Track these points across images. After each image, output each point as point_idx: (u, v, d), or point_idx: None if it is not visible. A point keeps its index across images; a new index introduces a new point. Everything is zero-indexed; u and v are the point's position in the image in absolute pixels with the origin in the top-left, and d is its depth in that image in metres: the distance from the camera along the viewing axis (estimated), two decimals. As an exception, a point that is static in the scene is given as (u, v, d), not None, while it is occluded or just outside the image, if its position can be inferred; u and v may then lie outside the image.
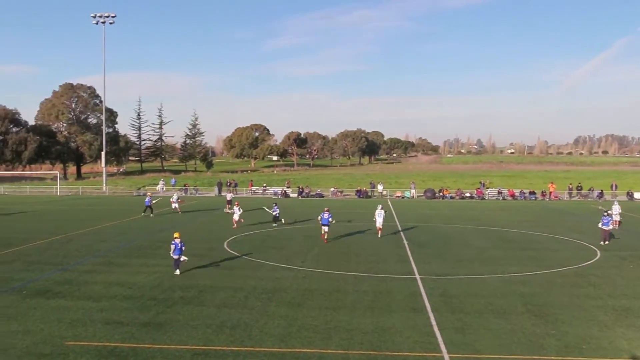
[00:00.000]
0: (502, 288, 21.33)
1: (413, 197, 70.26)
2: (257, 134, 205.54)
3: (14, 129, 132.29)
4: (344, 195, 72.37)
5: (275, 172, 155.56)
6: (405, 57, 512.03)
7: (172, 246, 23.48)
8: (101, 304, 18.71)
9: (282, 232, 36.48)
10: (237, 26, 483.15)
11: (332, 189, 75.05)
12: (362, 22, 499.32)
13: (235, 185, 78.30)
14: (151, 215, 46.60)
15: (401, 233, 36.26)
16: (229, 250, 29.52)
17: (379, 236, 33.76)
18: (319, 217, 32.12)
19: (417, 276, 23.17)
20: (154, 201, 49.94)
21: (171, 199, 49.59)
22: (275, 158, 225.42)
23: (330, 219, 31.69)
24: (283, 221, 40.49)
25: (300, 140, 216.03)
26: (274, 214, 40.47)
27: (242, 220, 38.46)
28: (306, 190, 72.18)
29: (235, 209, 38.60)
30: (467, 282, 22.16)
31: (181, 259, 23.44)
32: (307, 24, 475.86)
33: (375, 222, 34.44)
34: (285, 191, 72.92)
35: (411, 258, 27.31)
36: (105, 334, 15.76)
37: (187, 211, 50.06)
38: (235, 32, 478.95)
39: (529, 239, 34.33)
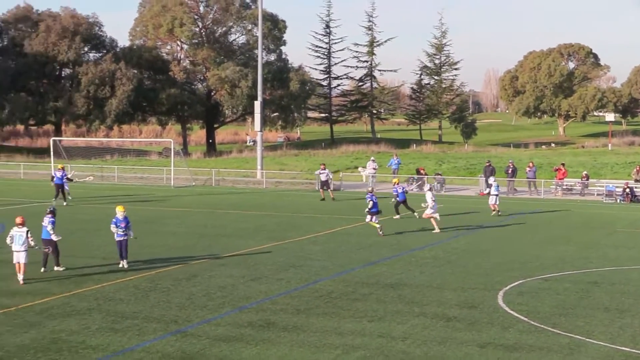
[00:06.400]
0: None
1: None
2: (571, 64, 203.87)
3: (90, 55, 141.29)
4: None
5: (610, 147, 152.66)
6: None
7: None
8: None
9: (624, 275, 35.86)
10: None
11: None
12: None
13: (513, 173, 76.66)
14: (396, 216, 53.13)
15: None
16: (505, 308, 29.61)
17: None
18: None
19: None
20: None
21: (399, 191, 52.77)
22: (610, 117, 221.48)
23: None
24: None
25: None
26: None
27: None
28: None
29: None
30: None
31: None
32: None
33: None
34: (631, 190, 71.22)
35: None
36: None
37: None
38: None
39: None
